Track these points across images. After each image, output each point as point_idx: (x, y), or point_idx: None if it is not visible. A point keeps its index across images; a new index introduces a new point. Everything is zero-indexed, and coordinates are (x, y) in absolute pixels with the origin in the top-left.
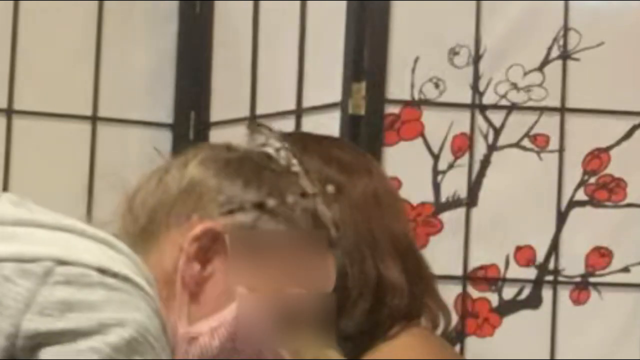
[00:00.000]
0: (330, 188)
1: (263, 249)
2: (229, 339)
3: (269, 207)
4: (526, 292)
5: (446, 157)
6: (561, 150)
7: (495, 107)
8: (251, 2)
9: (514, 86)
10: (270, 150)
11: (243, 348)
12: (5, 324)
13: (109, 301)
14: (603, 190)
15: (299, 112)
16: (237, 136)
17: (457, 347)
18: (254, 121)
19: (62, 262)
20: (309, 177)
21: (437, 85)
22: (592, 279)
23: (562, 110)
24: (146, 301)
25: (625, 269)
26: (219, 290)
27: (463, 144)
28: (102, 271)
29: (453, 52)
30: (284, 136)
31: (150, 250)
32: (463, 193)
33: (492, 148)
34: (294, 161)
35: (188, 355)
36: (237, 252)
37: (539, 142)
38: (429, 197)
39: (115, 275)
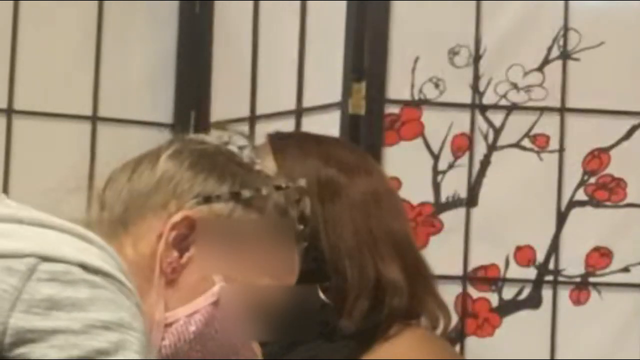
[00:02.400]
0: (301, 181)
1: (237, 238)
2: (205, 324)
3: (244, 198)
4: (526, 292)
5: (446, 157)
6: (561, 150)
7: (495, 107)
8: (251, 2)
9: (514, 86)
10: (233, 148)
11: (217, 334)
12: None
13: (93, 300)
14: (603, 190)
15: (299, 112)
16: None
17: (457, 347)
18: (220, 122)
19: (44, 258)
20: (279, 173)
21: (437, 85)
22: (592, 279)
23: (562, 110)
24: (127, 296)
25: (625, 269)
26: (196, 278)
27: (463, 144)
28: (84, 267)
29: (453, 52)
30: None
31: (126, 237)
32: (463, 193)
33: (492, 148)
34: (258, 160)
35: (164, 340)
36: (214, 240)
37: (539, 142)
38: (429, 197)
39: (96, 271)
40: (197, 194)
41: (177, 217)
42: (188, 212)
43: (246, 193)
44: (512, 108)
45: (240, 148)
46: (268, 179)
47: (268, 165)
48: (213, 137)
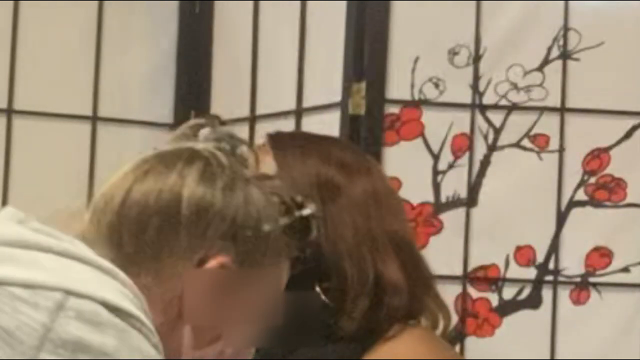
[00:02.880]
0: (311, 207)
1: (256, 277)
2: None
3: (264, 232)
4: (526, 292)
5: (446, 157)
6: (561, 150)
7: (495, 107)
8: (251, 2)
9: (514, 86)
10: (227, 148)
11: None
12: (19, 357)
13: (118, 348)
14: (603, 190)
15: (299, 112)
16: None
17: (457, 347)
18: (212, 116)
19: (71, 294)
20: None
21: (437, 85)
22: (592, 279)
23: (562, 110)
24: (148, 337)
25: (625, 269)
26: (223, 319)
27: (463, 144)
28: (109, 306)
29: (453, 52)
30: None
31: (149, 273)
32: (463, 193)
33: (492, 148)
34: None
35: None
36: (239, 283)
37: (539, 142)
38: (429, 197)
39: (120, 311)
40: (224, 233)
41: (212, 265)
42: (220, 259)
43: (266, 227)
44: (512, 108)
45: (233, 147)
46: (283, 204)
47: (268, 164)
48: (213, 146)
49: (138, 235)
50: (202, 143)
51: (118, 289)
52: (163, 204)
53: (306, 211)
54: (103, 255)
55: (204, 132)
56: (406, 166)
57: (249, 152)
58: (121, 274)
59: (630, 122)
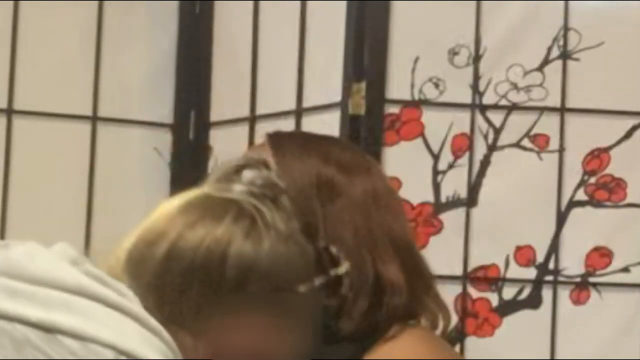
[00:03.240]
0: (346, 265)
1: (287, 328)
2: None
3: (299, 293)
4: (526, 292)
5: (446, 157)
6: (561, 150)
7: (495, 107)
8: (251, 2)
9: (514, 86)
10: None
11: None
12: None
13: None
14: (603, 190)
15: (299, 112)
16: (237, 136)
17: (457, 347)
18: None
19: (122, 353)
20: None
21: (437, 85)
22: (592, 279)
23: (562, 110)
24: None
25: (625, 269)
26: None
27: (463, 144)
28: None
29: (453, 52)
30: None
31: (186, 333)
32: (463, 193)
33: (492, 148)
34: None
35: None
36: (273, 338)
37: (539, 142)
38: (429, 197)
39: None
40: (265, 293)
41: (249, 324)
42: (259, 320)
43: (302, 288)
44: (512, 108)
45: (276, 195)
46: (310, 255)
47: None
48: (256, 192)
49: (181, 293)
50: (245, 188)
51: (162, 350)
52: (208, 264)
53: (341, 270)
54: (142, 302)
55: (248, 175)
56: (406, 166)
57: (288, 200)
58: (165, 334)
59: (630, 122)
